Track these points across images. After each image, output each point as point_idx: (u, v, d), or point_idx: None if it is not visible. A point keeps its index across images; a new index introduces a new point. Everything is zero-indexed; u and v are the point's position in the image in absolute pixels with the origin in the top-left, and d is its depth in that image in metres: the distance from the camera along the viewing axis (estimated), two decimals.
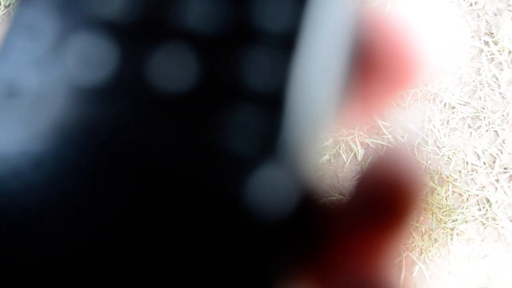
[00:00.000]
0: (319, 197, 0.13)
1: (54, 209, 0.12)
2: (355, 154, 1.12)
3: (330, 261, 0.13)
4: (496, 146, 1.11)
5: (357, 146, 1.14)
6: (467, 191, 1.08)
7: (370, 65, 0.14)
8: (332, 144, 1.15)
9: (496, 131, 1.12)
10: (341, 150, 1.17)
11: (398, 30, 0.14)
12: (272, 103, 0.12)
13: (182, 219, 0.12)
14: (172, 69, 0.12)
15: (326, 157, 1.16)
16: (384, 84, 0.14)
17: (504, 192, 1.09)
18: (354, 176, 1.16)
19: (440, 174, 1.08)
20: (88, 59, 0.12)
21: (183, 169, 0.12)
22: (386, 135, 1.09)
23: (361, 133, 1.14)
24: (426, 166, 1.08)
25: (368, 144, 1.14)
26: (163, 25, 0.12)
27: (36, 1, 0.12)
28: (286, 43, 0.12)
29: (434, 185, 1.08)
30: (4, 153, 0.12)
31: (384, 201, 0.13)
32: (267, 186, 0.12)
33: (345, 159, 1.16)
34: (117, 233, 0.12)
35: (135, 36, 0.12)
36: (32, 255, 0.11)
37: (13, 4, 0.12)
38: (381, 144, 1.10)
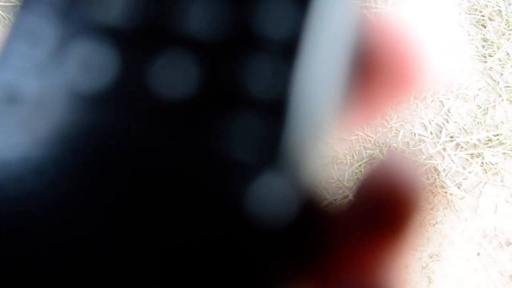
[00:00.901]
0: (320, 203, 0.13)
1: (55, 215, 0.12)
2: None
3: (331, 266, 0.13)
4: (442, 115, 1.13)
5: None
6: (415, 161, 1.10)
7: (371, 70, 0.14)
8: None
9: (441, 101, 1.14)
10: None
11: (399, 35, 0.14)
12: (273, 110, 0.12)
13: (183, 224, 0.12)
14: (174, 76, 0.12)
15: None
16: (385, 89, 0.14)
17: (452, 160, 1.11)
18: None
19: (389, 146, 1.10)
20: (89, 65, 0.12)
21: (184, 175, 0.12)
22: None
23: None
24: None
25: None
26: (165, 32, 0.12)
27: (37, 7, 0.12)
28: (288, 49, 0.12)
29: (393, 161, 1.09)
30: (4, 159, 0.12)
31: (385, 206, 0.13)
32: (268, 192, 0.12)
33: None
34: (118, 238, 0.12)
35: (136, 42, 0.12)
36: (33, 260, 0.11)
37: (14, 10, 0.12)
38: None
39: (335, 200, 0.14)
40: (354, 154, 1.12)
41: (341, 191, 1.11)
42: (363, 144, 1.12)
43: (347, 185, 1.10)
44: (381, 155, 1.08)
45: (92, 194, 0.12)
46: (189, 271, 0.12)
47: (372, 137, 1.10)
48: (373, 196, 0.13)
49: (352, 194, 0.14)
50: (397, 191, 0.13)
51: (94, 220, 0.12)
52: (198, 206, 0.12)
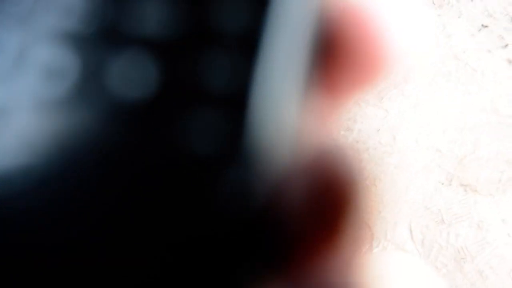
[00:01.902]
0: (285, 196, 0.13)
1: (24, 222, 0.12)
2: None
3: (294, 261, 0.13)
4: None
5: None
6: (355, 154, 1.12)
7: (335, 59, 0.14)
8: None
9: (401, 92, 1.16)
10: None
11: (363, 21, 0.14)
12: (235, 104, 0.12)
13: (150, 223, 0.12)
14: (134, 76, 0.12)
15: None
16: (351, 78, 0.14)
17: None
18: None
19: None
20: (50, 71, 0.12)
21: (149, 174, 0.12)
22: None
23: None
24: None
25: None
26: (122, 33, 0.12)
27: None
28: (247, 43, 0.12)
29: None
30: None
31: (324, 199, 0.13)
32: (232, 187, 0.12)
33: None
34: (85, 243, 0.12)
35: (95, 46, 0.12)
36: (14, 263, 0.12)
37: None
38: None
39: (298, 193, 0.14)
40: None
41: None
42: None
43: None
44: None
45: (58, 199, 0.12)
46: (156, 268, 0.12)
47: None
48: (311, 189, 0.13)
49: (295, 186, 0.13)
50: (335, 182, 0.13)
51: (62, 224, 0.12)
52: (162, 202, 0.12)
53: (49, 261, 0.12)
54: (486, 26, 1.25)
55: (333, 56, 0.14)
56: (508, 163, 1.10)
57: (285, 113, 0.13)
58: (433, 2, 1.27)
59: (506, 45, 1.23)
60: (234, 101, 0.12)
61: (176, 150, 0.12)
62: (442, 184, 1.09)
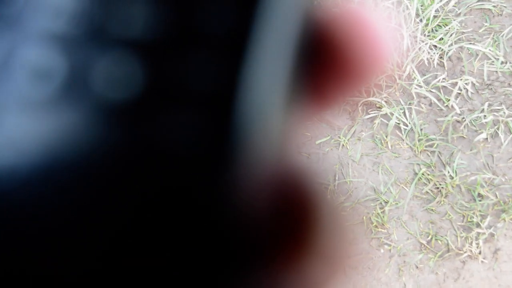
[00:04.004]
0: (269, 198, 0.13)
1: (8, 222, 0.12)
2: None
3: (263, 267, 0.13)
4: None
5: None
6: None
7: (323, 62, 0.14)
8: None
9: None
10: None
11: (353, 24, 0.14)
12: (220, 105, 0.12)
13: (133, 221, 0.12)
14: (119, 77, 0.12)
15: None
16: (338, 79, 0.14)
17: None
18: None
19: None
20: (37, 72, 0.12)
21: (133, 174, 0.12)
22: None
23: None
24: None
25: None
26: (109, 35, 0.12)
27: None
28: (232, 44, 0.12)
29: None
30: None
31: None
32: (217, 187, 0.12)
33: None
34: (70, 242, 0.12)
35: (82, 47, 0.12)
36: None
37: None
38: None
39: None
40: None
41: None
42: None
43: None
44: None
45: (43, 199, 0.12)
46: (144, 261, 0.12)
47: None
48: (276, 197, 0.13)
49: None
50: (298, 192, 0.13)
51: (45, 223, 0.12)
52: (148, 203, 0.12)
53: (34, 262, 0.12)
54: None
55: (321, 58, 0.14)
56: None
57: (270, 115, 0.13)
58: None
59: None
60: (219, 102, 0.12)
61: (161, 150, 0.12)
62: None
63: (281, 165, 0.13)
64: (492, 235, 1.16)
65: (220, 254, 0.12)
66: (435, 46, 1.31)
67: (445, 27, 1.33)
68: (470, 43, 1.32)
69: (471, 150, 1.22)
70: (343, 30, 0.14)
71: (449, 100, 1.27)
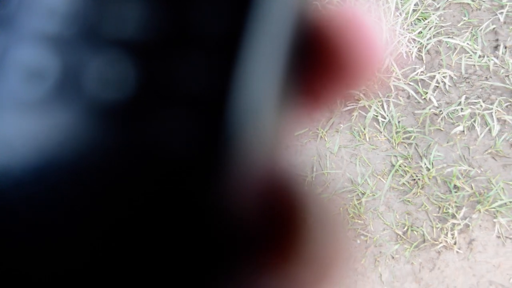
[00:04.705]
0: (259, 198, 0.13)
1: (1, 224, 0.12)
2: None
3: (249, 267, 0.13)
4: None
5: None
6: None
7: (315, 62, 0.14)
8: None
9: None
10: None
11: (346, 26, 0.14)
12: (213, 106, 0.12)
13: (126, 222, 0.12)
14: (112, 77, 0.12)
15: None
16: (331, 80, 0.14)
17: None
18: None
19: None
20: (30, 72, 0.12)
21: (126, 174, 0.12)
22: None
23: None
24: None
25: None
26: (102, 35, 0.12)
27: None
28: (226, 45, 0.12)
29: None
30: None
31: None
32: (209, 188, 0.12)
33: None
34: (62, 243, 0.12)
35: (76, 48, 0.12)
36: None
37: None
38: None
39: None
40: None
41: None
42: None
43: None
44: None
45: (35, 199, 0.12)
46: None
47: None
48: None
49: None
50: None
51: (35, 224, 0.12)
52: (141, 203, 0.12)
53: (26, 261, 0.12)
54: None
55: (313, 59, 0.14)
56: None
57: (262, 116, 0.13)
58: None
59: None
60: (211, 103, 0.12)
61: (153, 150, 0.12)
62: None
63: (272, 167, 0.13)
64: (467, 226, 1.18)
65: (211, 254, 0.12)
66: (414, 40, 1.33)
67: (424, 21, 1.34)
68: (449, 37, 1.33)
69: (447, 143, 1.24)
70: (337, 31, 0.14)
71: (426, 93, 1.28)
